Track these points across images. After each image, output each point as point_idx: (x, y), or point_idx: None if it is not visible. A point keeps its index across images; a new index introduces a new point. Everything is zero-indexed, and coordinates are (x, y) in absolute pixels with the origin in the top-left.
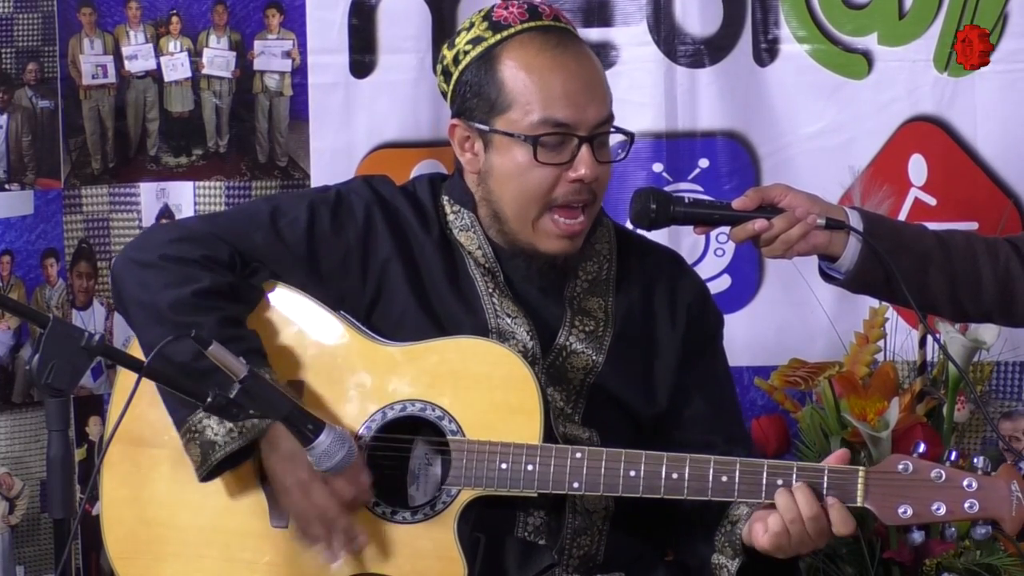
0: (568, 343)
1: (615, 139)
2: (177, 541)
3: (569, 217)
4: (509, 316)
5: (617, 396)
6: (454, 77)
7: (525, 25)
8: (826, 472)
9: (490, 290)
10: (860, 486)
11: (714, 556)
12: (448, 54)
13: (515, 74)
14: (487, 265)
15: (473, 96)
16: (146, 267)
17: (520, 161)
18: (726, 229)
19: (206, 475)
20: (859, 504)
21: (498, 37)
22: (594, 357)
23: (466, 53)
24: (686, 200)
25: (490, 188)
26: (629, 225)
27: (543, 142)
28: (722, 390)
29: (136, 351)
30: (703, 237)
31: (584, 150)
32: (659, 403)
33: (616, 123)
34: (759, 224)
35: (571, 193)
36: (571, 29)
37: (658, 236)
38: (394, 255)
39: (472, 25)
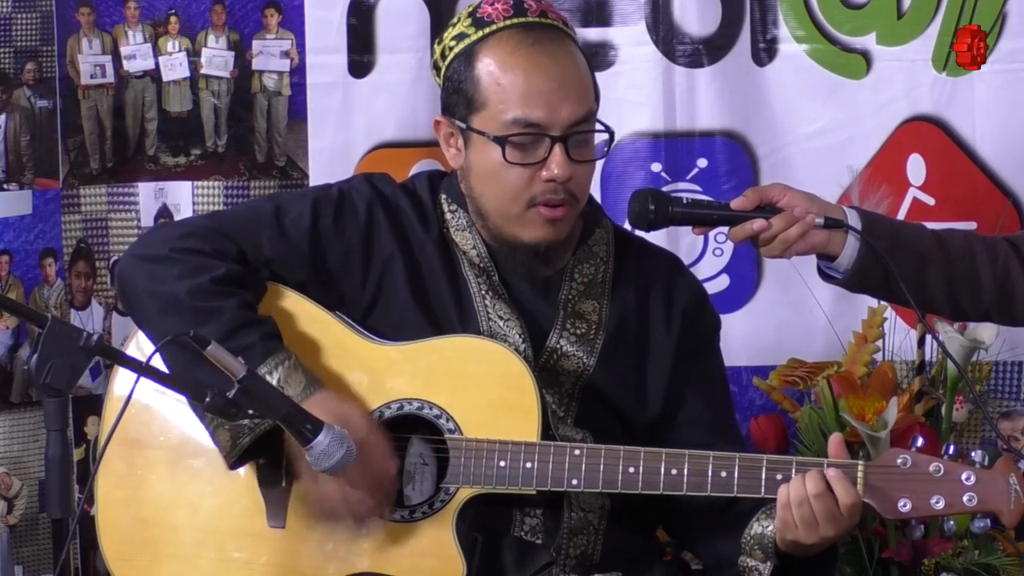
0: (559, 345)
1: (602, 137)
2: (174, 542)
3: (550, 210)
4: (502, 318)
5: (609, 400)
6: (442, 72)
7: (508, 22)
8: (825, 466)
9: (483, 291)
10: (860, 480)
11: (742, 558)
12: (437, 50)
13: (490, 72)
14: (482, 265)
15: (454, 93)
16: (156, 261)
17: (495, 160)
18: (725, 229)
19: (235, 460)
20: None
21: (480, 34)
22: (585, 360)
23: (451, 49)
24: (684, 200)
25: (471, 185)
26: (627, 226)
27: (512, 142)
28: (718, 393)
29: (134, 351)
30: (701, 237)
31: (557, 150)
32: (651, 407)
33: (615, 124)
34: (758, 224)
35: (547, 192)
36: (558, 25)
37: (656, 236)
38: (396, 254)
39: (458, 21)
